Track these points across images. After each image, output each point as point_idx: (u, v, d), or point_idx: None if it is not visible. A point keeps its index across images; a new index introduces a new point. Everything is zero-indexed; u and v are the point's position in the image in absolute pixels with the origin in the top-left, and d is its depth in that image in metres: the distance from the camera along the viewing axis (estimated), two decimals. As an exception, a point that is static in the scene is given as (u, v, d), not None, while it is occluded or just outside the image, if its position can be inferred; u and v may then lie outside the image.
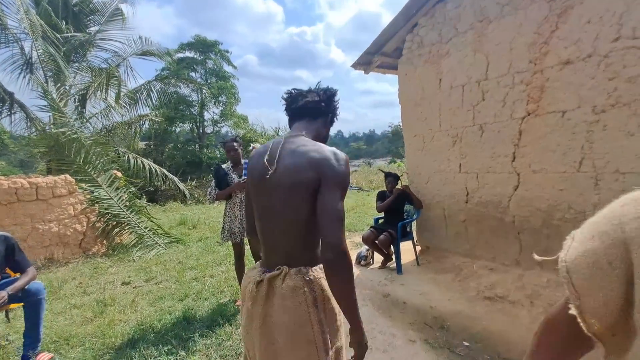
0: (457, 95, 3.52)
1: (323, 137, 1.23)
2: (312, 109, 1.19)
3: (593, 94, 2.50)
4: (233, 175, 2.89)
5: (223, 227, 2.90)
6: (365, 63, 4.53)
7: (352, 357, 1.02)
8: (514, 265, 3.15)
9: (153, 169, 9.26)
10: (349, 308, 0.96)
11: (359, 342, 1.00)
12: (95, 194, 4.74)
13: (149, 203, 10.45)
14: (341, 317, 1.09)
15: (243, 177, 2.86)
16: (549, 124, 2.78)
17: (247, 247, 3.24)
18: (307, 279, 1.01)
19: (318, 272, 1.04)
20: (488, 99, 3.23)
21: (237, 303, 2.95)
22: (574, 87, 2.60)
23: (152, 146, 19.22)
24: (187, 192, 10.78)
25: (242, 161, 2.97)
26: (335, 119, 1.28)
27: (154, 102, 9.43)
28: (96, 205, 4.75)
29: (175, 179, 10.27)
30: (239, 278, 3.07)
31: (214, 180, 2.89)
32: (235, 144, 2.95)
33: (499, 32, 3.09)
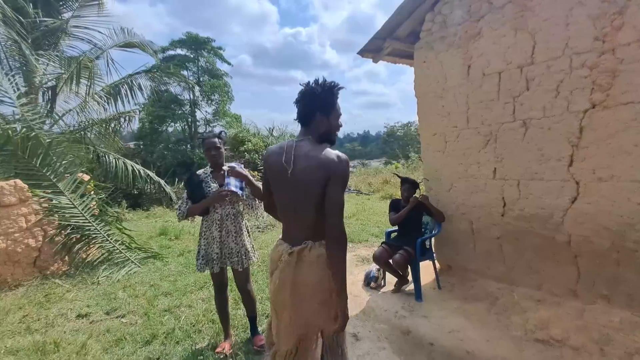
0: (492, 84, 2.88)
1: (325, 132, 1.42)
2: (307, 114, 1.40)
3: (694, 77, 1.87)
4: (211, 184, 2.19)
5: (198, 252, 2.21)
6: (374, 50, 3.87)
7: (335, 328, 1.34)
8: (569, 296, 2.51)
9: (137, 171, 8.49)
10: (340, 274, 1.29)
11: (342, 310, 1.31)
12: (54, 202, 4.00)
13: (131, 208, 9.71)
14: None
15: (226, 186, 2.17)
16: (623, 118, 2.14)
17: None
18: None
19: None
20: (534, 89, 2.60)
21: (217, 350, 2.25)
22: (663, 70, 1.97)
23: (141, 146, 18.44)
24: (173, 196, 10.00)
25: (225, 166, 2.28)
26: (330, 108, 1.41)
27: (137, 98, 8.65)
28: (55, 215, 4.01)
29: (161, 181, 9.49)
30: (220, 316, 2.38)
31: (186, 191, 2.20)
32: (217, 140, 2.25)
33: (551, 4, 2.46)
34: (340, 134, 1.60)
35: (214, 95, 20.42)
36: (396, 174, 4.46)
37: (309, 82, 1.39)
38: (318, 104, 1.38)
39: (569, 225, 2.47)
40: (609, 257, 2.28)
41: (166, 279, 3.85)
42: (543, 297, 2.61)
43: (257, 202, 2.30)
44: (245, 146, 10.87)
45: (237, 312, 2.84)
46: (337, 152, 1.33)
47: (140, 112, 9.48)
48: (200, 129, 20.65)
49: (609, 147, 2.22)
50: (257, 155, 10.67)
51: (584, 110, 2.33)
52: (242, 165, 2.40)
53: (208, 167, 2.29)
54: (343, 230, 1.27)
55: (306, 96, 1.38)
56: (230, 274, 2.36)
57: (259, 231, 6.14)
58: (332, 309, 1.33)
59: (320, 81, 1.37)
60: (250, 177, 2.20)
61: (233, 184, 2.19)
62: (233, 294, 2.91)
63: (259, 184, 2.22)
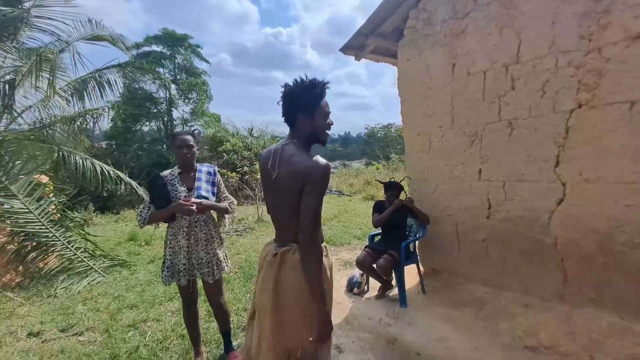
0: (477, 83, 2.81)
1: (311, 133, 1.37)
2: (290, 115, 1.37)
3: (680, 77, 1.84)
4: (179, 187, 1.96)
5: (163, 263, 1.97)
6: (357, 47, 3.74)
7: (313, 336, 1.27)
8: (556, 301, 2.46)
9: (106, 172, 7.97)
10: (315, 283, 1.24)
11: (320, 327, 1.26)
12: (5, 206, 3.60)
13: (100, 212, 9.14)
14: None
15: (195, 191, 1.94)
16: (611, 118, 2.10)
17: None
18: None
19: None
20: (520, 88, 2.54)
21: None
22: (649, 69, 1.94)
23: (113, 146, 17.60)
24: (146, 198, 9.51)
25: (197, 167, 2.06)
26: (313, 108, 1.34)
27: (107, 95, 8.12)
28: (7, 221, 3.61)
29: (133, 182, 8.98)
30: (190, 332, 2.15)
31: (149, 195, 1.96)
32: (190, 138, 2.01)
33: (537, 1, 2.40)
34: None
35: (192, 94, 19.81)
36: (379, 181, 4.35)
37: (289, 83, 1.35)
38: (300, 105, 1.33)
39: (555, 227, 2.41)
40: (596, 260, 2.23)
41: (133, 290, 3.54)
42: (530, 302, 2.55)
43: (234, 206, 2.11)
44: (223, 146, 10.50)
45: (210, 324, 2.62)
46: (317, 157, 1.29)
47: (110, 109, 8.94)
48: (177, 129, 20.01)
49: (596, 148, 2.18)
50: (236, 155, 10.34)
51: (570, 110, 2.28)
52: (216, 169, 2.18)
53: (176, 167, 2.06)
54: (314, 239, 1.24)
55: (287, 97, 1.34)
56: (202, 284, 2.13)
57: (237, 234, 5.88)
58: (314, 323, 1.27)
59: (300, 80, 1.32)
60: (215, 204, 1.99)
61: (204, 188, 1.98)
62: (206, 305, 2.68)
63: (226, 203, 2.06)
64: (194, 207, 1.79)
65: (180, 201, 1.82)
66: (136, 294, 3.38)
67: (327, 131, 1.40)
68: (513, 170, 2.62)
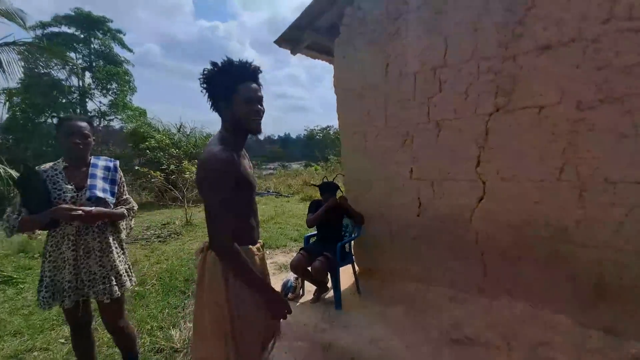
0: (409, 84, 2.86)
1: (235, 122, 1.24)
2: (212, 105, 1.28)
3: (578, 86, 2.05)
4: (63, 185, 1.56)
5: (41, 280, 1.56)
6: (292, 40, 3.60)
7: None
8: (477, 292, 2.59)
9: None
10: (249, 284, 1.20)
11: (272, 312, 1.25)
12: None
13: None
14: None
15: (87, 191, 1.57)
16: (523, 122, 2.28)
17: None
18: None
19: None
20: (447, 91, 2.64)
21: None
22: (554, 78, 2.13)
23: (10, 140, 14.81)
24: (18, 199, 8.06)
25: (91, 160, 1.68)
26: (229, 94, 1.21)
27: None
28: None
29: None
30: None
31: (20, 195, 1.52)
32: (85, 126, 1.63)
33: (461, 9, 2.52)
34: (261, 136, 1.33)
35: (112, 84, 17.66)
36: (312, 184, 4.26)
37: (203, 69, 1.24)
38: (216, 92, 1.23)
39: (476, 223, 2.55)
40: (510, 253, 2.40)
41: (18, 313, 2.88)
42: (455, 295, 2.66)
43: (133, 213, 1.77)
44: (147, 143, 9.46)
45: (116, 349, 2.20)
46: (213, 149, 1.17)
47: (4, 96, 7.41)
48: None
49: (511, 149, 2.34)
50: (162, 153, 9.39)
51: (489, 113, 2.43)
52: (117, 163, 1.79)
53: (61, 160, 1.64)
54: (221, 243, 1.15)
55: (203, 85, 1.24)
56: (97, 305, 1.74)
57: (160, 241, 5.26)
58: (222, 337, 1.19)
59: (213, 65, 1.21)
60: (108, 211, 1.62)
61: (100, 187, 1.61)
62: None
63: (123, 209, 1.71)
64: (81, 213, 1.43)
65: (63, 205, 1.43)
66: (22, 318, 2.75)
67: (254, 118, 1.25)
68: (441, 169, 2.72)
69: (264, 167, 25.61)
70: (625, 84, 1.89)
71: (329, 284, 3.15)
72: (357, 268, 3.42)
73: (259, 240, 1.41)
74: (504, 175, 2.39)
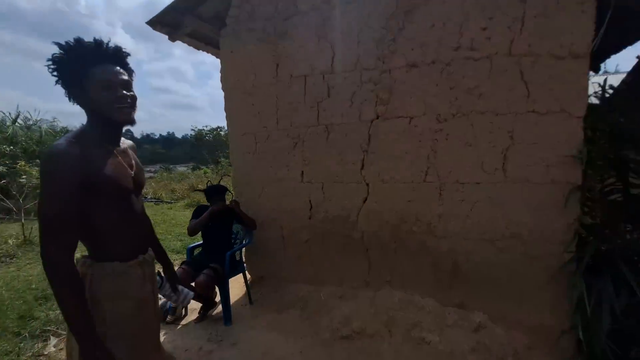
0: (299, 87, 2.86)
1: (94, 111, 1.11)
2: (66, 94, 1.12)
3: (437, 101, 2.41)
4: None
5: None
6: (170, 24, 3.17)
7: None
8: (363, 286, 2.77)
9: None
10: (66, 318, 0.98)
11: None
12: None
13: None
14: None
15: None
16: (397, 129, 2.54)
17: None
18: (78, 269, 1.05)
19: (85, 268, 1.11)
20: (334, 96, 2.74)
21: None
22: (420, 93, 2.45)
23: None
24: None
25: None
26: (80, 79, 1.08)
27: None
28: None
29: None
30: None
31: None
32: None
33: (346, 20, 2.66)
34: (137, 133, 1.12)
35: None
36: (198, 190, 3.89)
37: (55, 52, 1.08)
38: (64, 78, 1.09)
39: (362, 222, 2.73)
40: (389, 247, 2.65)
41: None
42: (344, 293, 2.78)
43: None
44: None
45: None
46: (56, 143, 1.01)
47: None
48: None
49: (389, 153, 2.59)
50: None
51: (370, 120, 2.62)
52: None
53: None
54: (49, 261, 0.96)
55: (51, 71, 1.08)
56: None
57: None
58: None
59: (60, 45, 1.06)
60: None
61: None
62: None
63: None
64: None
65: None
66: None
67: (119, 105, 1.10)
68: (330, 172, 2.81)
69: (141, 169, 22.28)
70: (470, 102, 2.31)
71: (218, 298, 2.87)
72: (249, 277, 3.24)
73: (146, 254, 1.24)
74: (383, 177, 2.62)
